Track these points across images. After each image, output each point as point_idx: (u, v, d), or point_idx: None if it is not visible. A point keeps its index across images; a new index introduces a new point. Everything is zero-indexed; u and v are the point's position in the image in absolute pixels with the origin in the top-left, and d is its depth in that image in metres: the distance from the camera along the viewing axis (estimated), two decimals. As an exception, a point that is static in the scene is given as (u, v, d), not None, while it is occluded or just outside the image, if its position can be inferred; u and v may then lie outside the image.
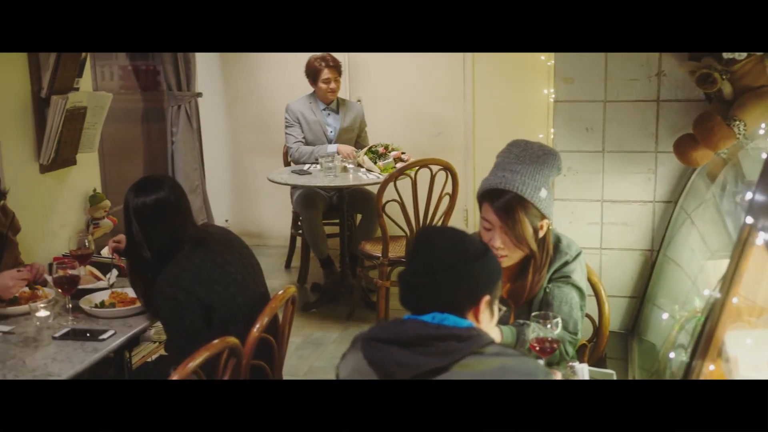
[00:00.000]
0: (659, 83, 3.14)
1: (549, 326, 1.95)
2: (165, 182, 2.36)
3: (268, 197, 5.80)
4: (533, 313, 2.00)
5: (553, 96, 3.28)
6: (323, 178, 4.38)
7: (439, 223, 4.17)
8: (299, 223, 4.93)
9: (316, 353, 4.03)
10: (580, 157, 3.25)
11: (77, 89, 3.60)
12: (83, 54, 3.51)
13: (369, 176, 4.40)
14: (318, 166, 4.57)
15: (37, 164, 3.56)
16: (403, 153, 4.54)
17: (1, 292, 2.47)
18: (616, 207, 3.27)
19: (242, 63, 5.75)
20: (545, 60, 4.95)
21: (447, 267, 1.55)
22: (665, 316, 2.32)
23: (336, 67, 4.69)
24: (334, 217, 4.84)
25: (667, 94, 3.14)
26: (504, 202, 2.04)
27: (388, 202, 3.98)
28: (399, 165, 4.38)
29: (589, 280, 2.35)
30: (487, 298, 1.59)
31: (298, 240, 5.13)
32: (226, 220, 5.95)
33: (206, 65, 5.65)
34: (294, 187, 4.74)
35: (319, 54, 4.71)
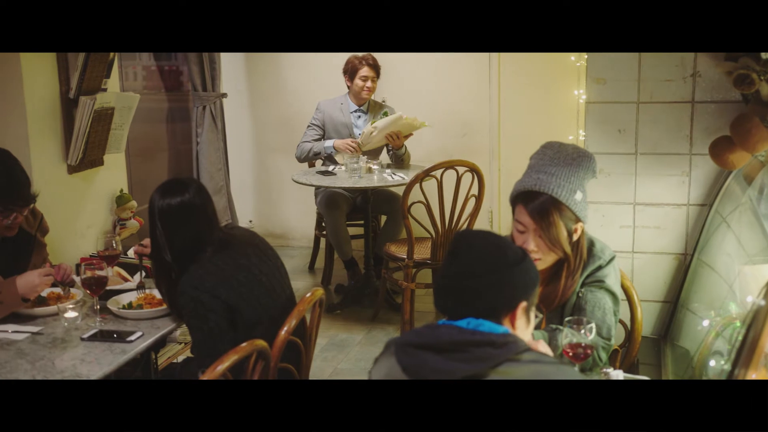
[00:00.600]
0: (694, 84, 3.08)
1: (583, 331, 1.92)
2: (190, 185, 2.35)
3: (292, 198, 5.80)
4: (567, 318, 1.97)
5: (584, 97, 3.23)
6: (348, 179, 4.36)
7: (465, 225, 4.13)
8: (323, 224, 4.91)
9: (341, 355, 4.01)
10: (612, 160, 3.21)
11: (105, 90, 3.61)
12: (111, 55, 3.52)
13: (394, 177, 4.37)
14: (343, 167, 4.55)
15: (65, 165, 3.57)
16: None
17: (27, 291, 2.47)
18: (649, 210, 3.21)
19: (266, 63, 5.75)
20: (575, 60, 4.90)
21: (485, 272, 1.52)
22: (706, 323, 2.27)
23: (375, 67, 4.68)
24: (358, 218, 4.82)
25: (702, 95, 3.09)
26: (538, 204, 2.00)
27: (413, 203, 3.95)
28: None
29: (622, 284, 2.31)
30: (524, 304, 1.56)
31: (322, 241, 5.11)
32: (250, 221, 5.96)
33: (231, 66, 5.67)
34: (318, 188, 4.73)
35: (360, 54, 4.70)
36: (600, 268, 2.12)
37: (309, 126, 4.82)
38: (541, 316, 1.83)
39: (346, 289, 4.77)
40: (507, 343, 1.48)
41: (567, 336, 1.92)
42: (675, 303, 3.18)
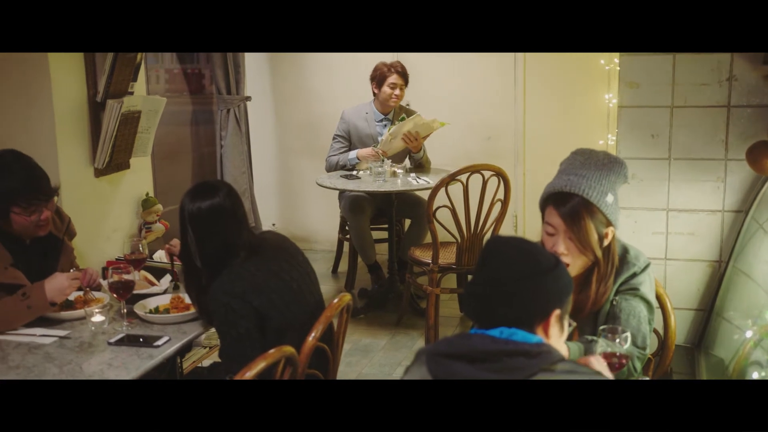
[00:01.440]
0: (730, 88, 3.03)
1: (618, 341, 1.88)
2: (221, 188, 2.33)
3: (316, 201, 5.79)
4: (601, 327, 1.93)
5: (614, 101, 3.18)
6: (372, 183, 4.34)
7: (490, 230, 4.09)
8: (347, 227, 4.89)
9: (365, 360, 3.98)
10: (644, 165, 3.16)
11: (132, 93, 3.62)
12: (138, 58, 3.52)
13: (419, 181, 4.34)
14: (367, 171, 4.53)
15: (92, 168, 3.58)
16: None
17: (55, 295, 2.47)
18: (683, 216, 3.16)
19: (290, 66, 5.74)
20: (604, 64, 4.84)
21: (518, 278, 1.49)
22: (749, 333, 2.22)
23: (404, 75, 4.64)
24: (382, 222, 4.80)
25: (738, 99, 3.03)
26: (570, 206, 1.97)
27: (438, 207, 3.92)
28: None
29: (655, 291, 2.26)
30: (557, 312, 1.53)
31: (346, 245, 5.09)
32: (273, 224, 5.96)
33: (255, 68, 5.67)
34: (342, 192, 4.71)
35: (388, 61, 4.68)
36: (635, 275, 2.08)
37: (334, 138, 4.80)
38: (574, 324, 1.80)
39: (370, 293, 4.75)
40: (541, 353, 1.45)
41: (601, 345, 1.88)
42: (709, 311, 3.12)
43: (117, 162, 3.64)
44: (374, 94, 4.72)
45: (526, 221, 5.36)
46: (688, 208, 3.15)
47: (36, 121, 3.35)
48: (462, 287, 4.45)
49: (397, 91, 4.63)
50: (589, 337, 1.99)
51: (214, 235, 2.29)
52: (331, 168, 4.77)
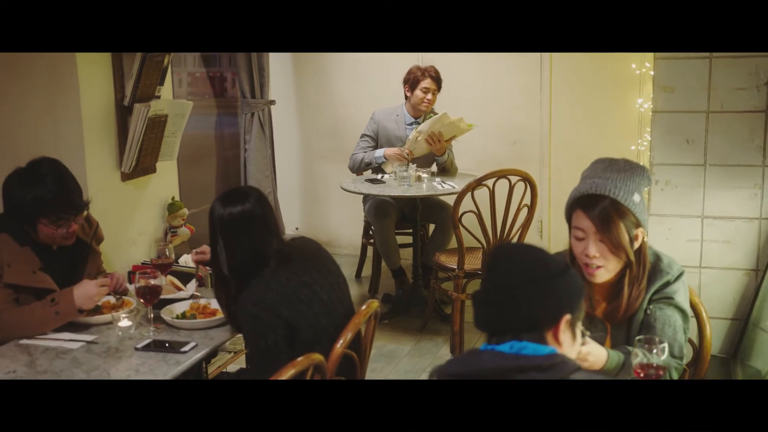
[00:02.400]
0: None
1: (655, 351, 1.83)
2: (251, 194, 2.31)
3: (339, 205, 5.77)
4: (637, 338, 1.88)
5: (646, 106, 3.13)
6: (397, 188, 4.31)
7: (517, 236, 4.05)
8: (371, 232, 4.87)
9: (390, 366, 3.95)
10: (679, 171, 3.09)
11: (158, 97, 3.62)
12: (165, 62, 3.53)
13: (444, 186, 4.31)
14: (392, 175, 4.50)
15: (118, 172, 3.58)
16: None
17: (84, 302, 2.47)
18: (718, 224, 3.09)
19: (315, 70, 5.74)
20: (635, 68, 4.78)
21: (527, 282, 1.47)
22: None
23: (437, 80, 4.60)
24: (407, 227, 4.76)
25: (777, 104, 2.96)
26: (599, 207, 1.95)
27: (464, 213, 3.89)
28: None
29: (690, 300, 2.22)
30: (567, 317, 1.50)
31: (369, 249, 5.07)
32: (296, 228, 5.95)
33: (279, 72, 5.67)
34: (366, 196, 4.69)
35: (423, 66, 4.65)
36: (668, 284, 2.04)
37: (362, 136, 4.76)
38: (587, 333, 1.76)
39: (394, 298, 4.72)
40: (554, 365, 1.42)
41: (638, 355, 1.84)
42: (746, 321, 3.05)
43: (143, 166, 3.64)
44: (406, 97, 4.69)
45: (551, 227, 5.30)
46: (724, 216, 3.08)
47: (64, 126, 3.36)
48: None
49: (429, 96, 4.60)
50: (629, 348, 1.95)
51: (244, 243, 2.26)
52: (355, 165, 4.71)
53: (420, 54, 5.47)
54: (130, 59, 3.44)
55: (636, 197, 1.97)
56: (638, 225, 1.98)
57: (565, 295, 1.50)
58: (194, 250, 2.69)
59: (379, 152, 4.63)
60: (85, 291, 2.47)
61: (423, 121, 4.67)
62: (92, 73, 3.39)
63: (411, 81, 4.62)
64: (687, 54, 2.96)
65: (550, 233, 5.32)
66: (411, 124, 4.71)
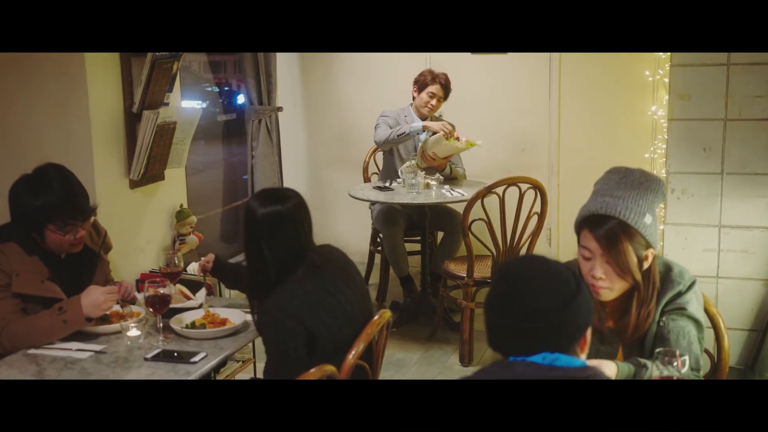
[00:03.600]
0: None
1: (675, 364, 1.80)
2: (291, 196, 2.27)
3: (346, 212, 5.75)
4: (657, 350, 1.85)
5: (660, 113, 3.10)
6: (406, 195, 4.29)
7: (526, 244, 4.02)
8: (378, 239, 4.84)
9: (398, 375, 3.92)
10: (695, 179, 3.06)
11: (167, 104, 3.60)
12: (174, 68, 3.51)
13: (453, 194, 4.28)
14: (401, 182, 4.47)
15: (127, 180, 3.56)
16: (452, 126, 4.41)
17: (91, 311, 2.44)
18: (736, 233, 3.06)
19: (322, 77, 5.72)
20: (649, 74, 4.75)
21: (559, 307, 1.42)
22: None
23: (445, 88, 4.58)
24: (415, 234, 4.74)
25: (795, 111, 2.93)
26: (606, 229, 1.89)
27: (474, 221, 3.86)
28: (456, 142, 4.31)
29: (707, 311, 2.18)
30: (590, 328, 1.49)
31: (377, 257, 5.03)
32: (303, 235, 5.91)
33: (287, 79, 5.65)
34: (374, 203, 4.66)
35: (436, 71, 4.61)
36: (680, 294, 1.99)
37: (381, 118, 4.63)
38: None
39: (402, 306, 4.68)
40: (588, 377, 1.41)
41: (658, 368, 1.80)
42: (763, 332, 3.01)
43: (152, 173, 3.62)
44: (413, 97, 4.67)
45: (560, 235, 5.27)
46: (742, 225, 3.05)
47: (73, 133, 3.34)
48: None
49: (433, 102, 4.58)
50: (642, 361, 1.91)
51: (280, 243, 2.22)
52: (389, 136, 4.45)
53: (428, 58, 5.46)
54: (139, 66, 3.43)
55: (647, 219, 1.91)
56: (648, 246, 1.93)
57: (588, 308, 1.48)
58: (203, 259, 2.67)
59: (417, 123, 4.47)
60: (93, 299, 2.44)
61: (428, 122, 4.64)
62: (101, 80, 3.37)
63: (420, 83, 4.61)
64: (703, 61, 2.94)
65: (559, 241, 5.28)
66: None
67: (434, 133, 4.39)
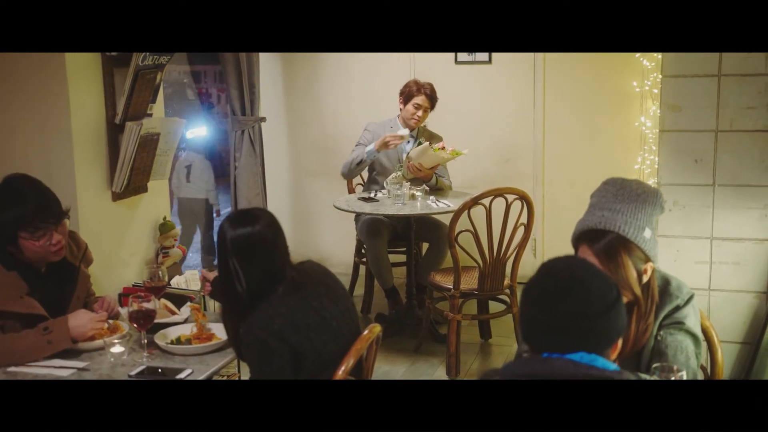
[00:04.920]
0: None
1: (673, 379, 1.78)
2: (262, 216, 2.24)
3: (330, 223, 5.71)
4: (654, 365, 1.83)
5: (649, 124, 3.10)
6: (391, 206, 4.26)
7: (513, 255, 4.00)
8: (363, 251, 4.80)
9: (385, 389, 3.87)
10: (687, 191, 3.06)
11: (150, 115, 3.54)
12: (158, 79, 3.46)
13: (438, 204, 4.26)
14: (386, 193, 4.45)
15: (109, 192, 3.50)
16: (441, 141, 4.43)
17: (78, 334, 2.41)
18: (728, 245, 3.05)
19: (305, 87, 5.70)
20: (636, 86, 4.77)
21: (604, 311, 1.46)
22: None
23: (431, 98, 4.57)
24: (400, 245, 4.71)
25: (787, 123, 2.94)
26: (605, 243, 1.88)
27: (461, 232, 3.84)
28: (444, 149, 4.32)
29: (701, 324, 2.17)
30: (622, 336, 1.52)
31: (362, 268, 5.00)
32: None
33: (269, 89, 5.62)
34: (358, 214, 4.62)
35: (422, 81, 4.61)
36: (678, 308, 1.98)
37: (357, 144, 4.68)
38: None
39: (388, 318, 4.65)
40: (622, 380, 1.45)
41: (651, 383, 1.78)
42: (756, 345, 3.01)
43: (135, 185, 3.55)
44: (400, 108, 4.66)
45: (545, 245, 5.26)
46: (734, 237, 3.04)
47: (54, 144, 3.28)
48: (484, 313, 4.37)
49: (419, 113, 4.57)
50: (639, 375, 1.89)
51: (253, 265, 2.19)
52: (347, 167, 4.56)
53: (413, 67, 5.45)
54: (121, 76, 3.37)
55: (647, 233, 1.89)
56: (647, 260, 1.91)
57: (624, 316, 1.51)
58: (207, 283, 2.64)
59: (371, 146, 4.49)
60: (81, 323, 2.42)
61: (417, 134, 4.63)
62: (83, 91, 3.31)
63: (406, 94, 4.60)
64: (695, 72, 2.94)
65: (544, 251, 5.28)
66: None
67: (419, 144, 4.39)
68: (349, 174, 4.66)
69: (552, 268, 1.52)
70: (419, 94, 4.54)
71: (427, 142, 4.36)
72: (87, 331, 2.42)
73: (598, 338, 1.47)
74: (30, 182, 2.50)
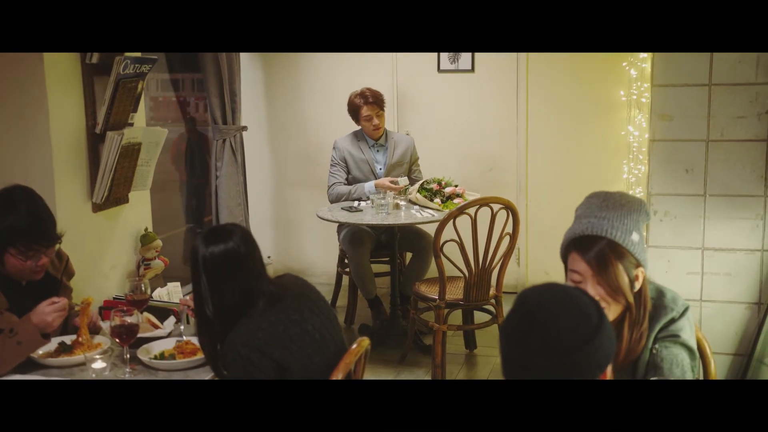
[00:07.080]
0: None
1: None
2: (235, 232, 2.20)
3: (313, 233, 5.67)
4: (651, 379, 1.81)
5: (636, 133, 3.09)
6: (375, 216, 4.23)
7: (498, 264, 3.98)
8: (346, 261, 4.76)
9: (370, 400, 3.83)
10: (678, 201, 3.05)
11: (132, 124, 3.48)
12: (139, 88, 3.40)
13: (423, 214, 4.23)
14: (369, 203, 4.41)
15: (89, 203, 3.43)
16: (456, 186, 4.38)
17: (44, 325, 2.34)
18: (719, 256, 3.04)
19: (287, 96, 5.66)
20: (623, 95, 4.78)
21: (584, 342, 1.34)
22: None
23: (376, 103, 4.54)
24: (383, 255, 4.68)
25: (778, 132, 2.95)
26: (596, 250, 1.86)
27: (446, 242, 3.81)
28: (456, 200, 4.22)
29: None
30: (611, 365, 1.42)
31: (345, 278, 4.96)
32: (269, 257, 5.81)
33: (250, 98, 5.57)
34: (341, 224, 4.59)
35: (358, 90, 4.58)
36: (673, 321, 1.96)
37: (332, 166, 4.68)
38: None
39: (371, 329, 4.61)
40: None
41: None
42: (749, 356, 3.01)
43: (116, 196, 3.49)
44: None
45: (528, 254, 5.25)
46: (725, 247, 3.04)
47: (32, 153, 3.21)
48: (469, 323, 4.34)
49: (375, 121, 4.54)
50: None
51: (229, 282, 2.15)
52: (341, 197, 4.60)
53: (394, 74, 5.43)
54: (102, 85, 3.31)
55: (635, 236, 1.89)
56: (638, 265, 1.90)
57: (608, 346, 1.39)
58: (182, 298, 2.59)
59: (369, 185, 4.53)
60: (42, 313, 2.34)
61: (385, 142, 4.65)
62: (63, 99, 3.25)
63: (352, 112, 4.59)
64: (685, 81, 2.94)
65: (527, 261, 5.26)
66: (373, 146, 4.67)
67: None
68: (337, 201, 4.63)
69: (524, 301, 1.41)
70: (362, 106, 4.52)
71: (416, 194, 4.32)
72: (51, 320, 2.35)
73: (579, 374, 1.35)
74: (30, 198, 2.45)
